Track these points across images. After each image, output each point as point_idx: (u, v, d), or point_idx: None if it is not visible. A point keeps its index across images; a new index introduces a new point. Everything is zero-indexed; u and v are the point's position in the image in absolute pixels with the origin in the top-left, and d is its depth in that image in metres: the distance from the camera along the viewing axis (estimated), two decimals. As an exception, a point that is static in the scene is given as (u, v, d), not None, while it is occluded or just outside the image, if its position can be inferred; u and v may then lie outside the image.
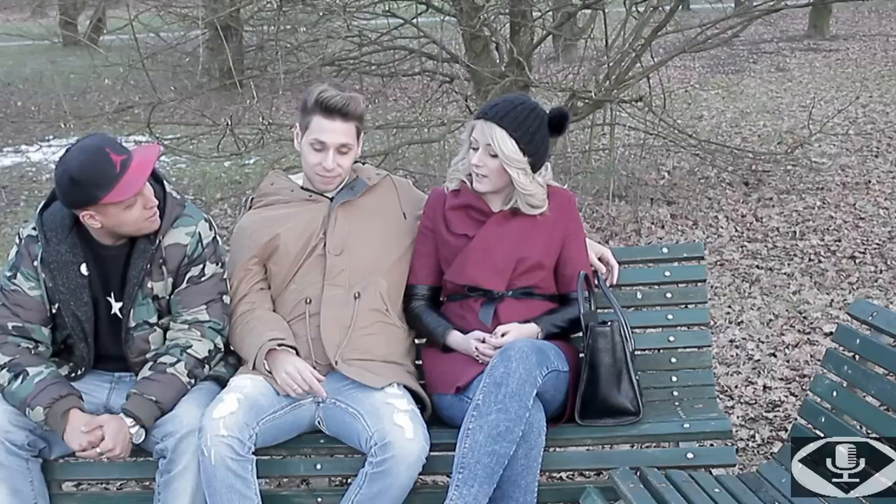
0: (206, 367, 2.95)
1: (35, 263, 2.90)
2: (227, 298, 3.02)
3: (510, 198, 3.07)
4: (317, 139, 3.01)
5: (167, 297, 2.96)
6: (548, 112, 3.05)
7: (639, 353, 3.14)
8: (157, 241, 2.90)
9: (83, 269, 2.90)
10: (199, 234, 2.95)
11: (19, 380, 2.83)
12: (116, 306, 2.94)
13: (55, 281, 2.88)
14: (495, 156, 2.98)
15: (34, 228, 2.92)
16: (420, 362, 3.17)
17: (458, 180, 3.14)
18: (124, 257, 2.91)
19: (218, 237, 3.04)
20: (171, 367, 2.86)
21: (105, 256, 2.92)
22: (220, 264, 3.01)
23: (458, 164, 3.15)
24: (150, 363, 2.90)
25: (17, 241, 2.96)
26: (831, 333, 4.49)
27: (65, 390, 2.83)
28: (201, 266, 2.95)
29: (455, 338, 3.04)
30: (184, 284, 2.95)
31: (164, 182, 2.96)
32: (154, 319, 2.96)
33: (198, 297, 2.95)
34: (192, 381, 2.90)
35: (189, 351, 2.90)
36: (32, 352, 2.91)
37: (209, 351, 2.94)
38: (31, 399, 2.81)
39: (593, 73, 7.27)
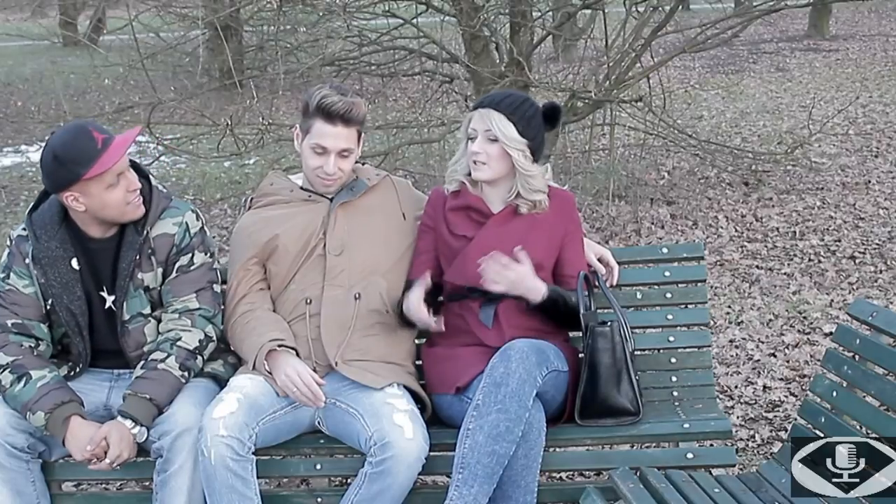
0: (199, 358, 2.95)
1: (27, 261, 2.92)
2: (217, 287, 3.04)
3: (510, 191, 3.07)
4: (318, 144, 3.01)
5: (158, 288, 2.98)
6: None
7: (639, 353, 3.14)
8: (145, 233, 2.93)
9: (74, 263, 2.92)
10: (187, 223, 2.98)
11: (21, 382, 2.84)
12: (110, 300, 2.96)
13: (47, 276, 2.90)
14: (495, 140, 2.99)
15: (24, 228, 2.96)
16: (420, 362, 3.17)
17: (457, 181, 3.14)
18: (113, 250, 2.93)
19: (205, 227, 3.07)
20: (161, 363, 2.87)
21: (95, 250, 2.94)
22: (208, 253, 3.03)
23: (455, 165, 3.15)
24: (142, 361, 2.91)
25: (8, 242, 2.99)
26: (831, 333, 4.49)
27: (66, 396, 2.84)
28: (190, 255, 2.98)
29: (406, 303, 3.01)
30: (173, 274, 2.97)
31: (150, 177, 3.00)
32: (148, 311, 2.97)
33: (188, 285, 2.97)
34: (186, 373, 2.91)
35: (179, 343, 2.90)
36: (34, 352, 2.92)
37: (200, 341, 2.94)
38: (32, 404, 2.81)
39: (593, 73, 7.27)
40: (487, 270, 2.91)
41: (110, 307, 2.96)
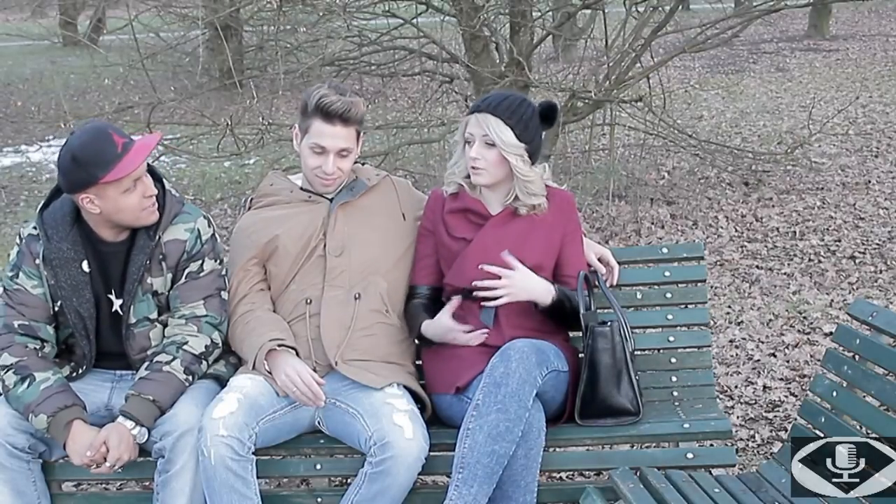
0: (204, 363, 2.95)
1: (37, 261, 2.91)
2: (225, 294, 3.03)
3: (509, 194, 3.06)
4: (317, 143, 3.01)
5: (166, 293, 2.97)
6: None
7: (639, 353, 3.14)
8: (157, 237, 2.92)
9: (84, 265, 2.91)
10: (199, 230, 2.98)
11: (25, 384, 2.84)
12: (117, 303, 2.95)
13: (57, 278, 2.89)
14: (492, 145, 2.98)
15: (35, 227, 2.94)
16: (420, 362, 3.17)
17: (455, 184, 3.13)
18: (124, 253, 2.92)
19: (217, 234, 3.06)
20: (167, 366, 2.87)
21: (106, 253, 2.93)
22: (218, 261, 3.03)
23: (453, 168, 3.15)
24: (146, 362, 2.91)
25: (18, 240, 2.97)
26: (831, 333, 4.49)
27: (69, 400, 2.84)
28: (200, 262, 2.97)
29: (427, 328, 3.05)
30: (182, 280, 2.96)
31: (164, 181, 2.98)
32: (154, 315, 2.97)
33: (196, 292, 2.96)
34: (190, 377, 2.90)
35: (185, 347, 2.90)
36: (39, 354, 2.92)
37: (206, 346, 2.94)
38: (35, 406, 2.81)
39: (593, 73, 7.28)
40: (484, 286, 2.92)
41: (117, 310, 2.96)
